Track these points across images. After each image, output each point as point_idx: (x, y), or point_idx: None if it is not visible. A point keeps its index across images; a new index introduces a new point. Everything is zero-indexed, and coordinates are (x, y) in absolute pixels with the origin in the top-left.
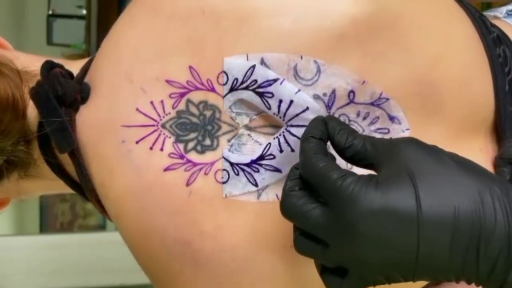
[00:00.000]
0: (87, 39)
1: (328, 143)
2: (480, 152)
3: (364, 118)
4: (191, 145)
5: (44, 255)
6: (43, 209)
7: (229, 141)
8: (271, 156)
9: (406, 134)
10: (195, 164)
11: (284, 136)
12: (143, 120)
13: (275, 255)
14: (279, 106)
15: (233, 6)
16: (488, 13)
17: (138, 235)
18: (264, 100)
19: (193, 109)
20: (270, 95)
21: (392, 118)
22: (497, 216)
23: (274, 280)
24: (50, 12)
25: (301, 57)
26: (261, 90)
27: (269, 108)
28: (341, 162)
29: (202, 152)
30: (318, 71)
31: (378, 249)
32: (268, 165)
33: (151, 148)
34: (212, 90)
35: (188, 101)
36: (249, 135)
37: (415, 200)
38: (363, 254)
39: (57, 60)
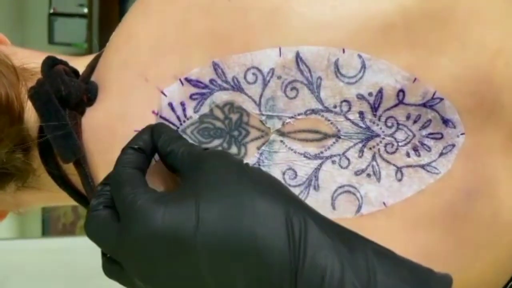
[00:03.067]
0: (88, 38)
1: None
2: None
3: (415, 122)
4: None
5: (46, 259)
6: (45, 211)
7: (258, 148)
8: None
9: (461, 139)
10: None
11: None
12: None
13: None
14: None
15: None
16: None
17: None
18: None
19: (217, 112)
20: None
21: (446, 121)
22: (279, 242)
23: None
24: (52, 11)
25: (343, 51)
26: None
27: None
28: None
29: None
30: (363, 67)
31: (162, 271)
32: None
33: None
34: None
35: (212, 103)
36: (282, 141)
37: (194, 221)
38: (149, 276)
39: (60, 57)
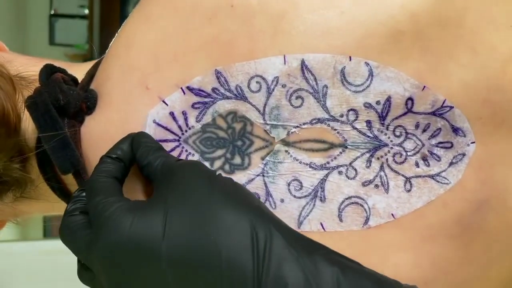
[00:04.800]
0: (89, 39)
1: None
2: None
3: (424, 131)
4: (218, 163)
5: (48, 261)
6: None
7: (263, 158)
8: None
9: (472, 148)
10: None
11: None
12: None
13: None
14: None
15: None
16: None
17: None
18: None
19: (220, 122)
20: None
21: (456, 130)
22: (243, 255)
23: None
24: (52, 12)
25: (350, 58)
26: None
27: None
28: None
29: (231, 172)
30: (371, 74)
31: (131, 280)
32: None
33: None
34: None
35: (215, 112)
36: (287, 151)
37: (161, 231)
38: (118, 285)
39: (58, 64)
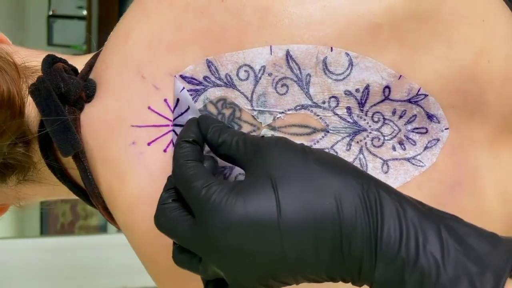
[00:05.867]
0: (87, 40)
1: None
2: None
3: (401, 117)
4: None
5: (44, 258)
6: (43, 210)
7: None
8: None
9: (445, 134)
10: None
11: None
12: (155, 120)
13: None
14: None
15: None
16: None
17: (150, 245)
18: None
19: (211, 108)
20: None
21: (430, 117)
22: (357, 215)
23: None
24: (51, 13)
25: (331, 49)
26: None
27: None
28: None
29: None
30: (350, 64)
31: (246, 261)
32: None
33: (164, 151)
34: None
35: (206, 98)
36: (273, 135)
37: (276, 207)
38: (232, 267)
39: (59, 55)
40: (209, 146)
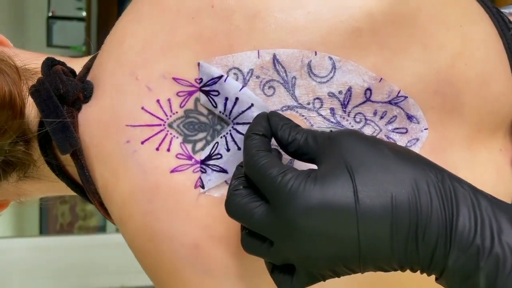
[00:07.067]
0: (87, 41)
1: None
2: (500, 153)
3: (381, 117)
4: (199, 145)
5: (44, 257)
6: (42, 211)
7: None
8: (219, 156)
9: (425, 134)
10: None
11: (231, 134)
12: (148, 120)
13: None
14: (225, 104)
15: (245, 0)
16: (503, 10)
17: (143, 239)
18: (210, 99)
19: (201, 108)
20: (215, 93)
21: (410, 117)
22: (433, 203)
23: None
24: (50, 14)
25: (316, 53)
26: (207, 88)
27: (216, 107)
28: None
29: None
30: (334, 68)
31: (319, 245)
32: (215, 165)
33: (157, 149)
34: None
35: (197, 99)
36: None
37: (353, 193)
38: (306, 251)
39: (58, 58)
40: (278, 143)
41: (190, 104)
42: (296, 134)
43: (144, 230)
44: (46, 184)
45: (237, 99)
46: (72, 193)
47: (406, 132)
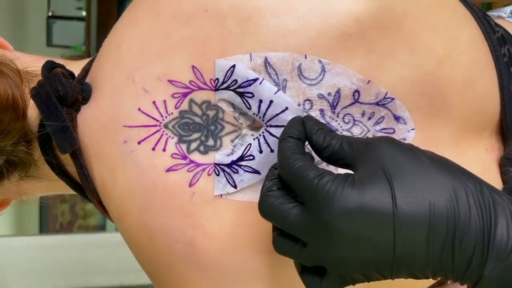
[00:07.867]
0: (86, 40)
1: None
2: (486, 152)
3: (369, 118)
4: (194, 145)
5: (43, 256)
6: (42, 210)
7: (232, 141)
8: (251, 157)
9: (412, 134)
10: (198, 165)
11: (264, 136)
12: (145, 120)
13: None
14: (259, 106)
15: (237, 5)
16: (492, 13)
17: (140, 236)
18: (245, 100)
19: (196, 109)
20: (250, 95)
21: (397, 118)
22: (471, 212)
23: (277, 282)
24: (50, 14)
25: (306, 57)
26: (241, 90)
27: (249, 108)
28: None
29: (205, 152)
30: (323, 70)
31: (355, 248)
32: (247, 166)
33: (153, 149)
34: (215, 89)
35: (191, 101)
36: (252, 135)
37: (391, 198)
38: (340, 253)
39: (58, 61)
40: (312, 147)
41: (184, 105)
42: (331, 139)
43: (141, 227)
44: (46, 183)
45: (271, 101)
46: (72, 192)
47: (394, 132)
